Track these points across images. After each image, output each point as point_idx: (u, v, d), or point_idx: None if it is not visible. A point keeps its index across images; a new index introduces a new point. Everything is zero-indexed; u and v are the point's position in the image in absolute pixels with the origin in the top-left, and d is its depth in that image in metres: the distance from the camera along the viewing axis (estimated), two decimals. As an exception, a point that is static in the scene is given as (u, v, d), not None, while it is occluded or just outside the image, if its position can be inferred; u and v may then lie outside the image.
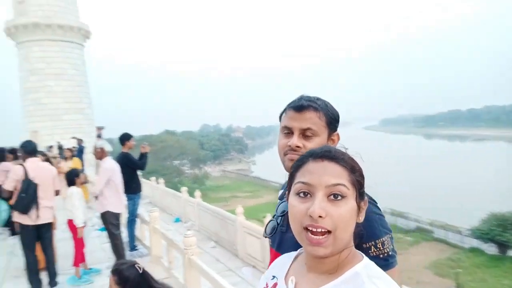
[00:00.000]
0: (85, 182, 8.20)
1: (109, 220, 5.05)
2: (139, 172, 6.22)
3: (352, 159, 0.88)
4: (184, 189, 8.60)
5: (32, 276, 4.42)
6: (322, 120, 1.18)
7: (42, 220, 4.43)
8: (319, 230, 0.78)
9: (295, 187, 0.85)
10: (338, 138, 1.24)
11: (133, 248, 5.98)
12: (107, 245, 5.58)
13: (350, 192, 0.82)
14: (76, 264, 4.95)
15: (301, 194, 0.83)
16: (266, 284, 0.94)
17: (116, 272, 2.06)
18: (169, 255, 5.02)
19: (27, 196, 4.34)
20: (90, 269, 5.19)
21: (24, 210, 4.35)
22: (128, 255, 5.55)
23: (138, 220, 6.12)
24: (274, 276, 0.94)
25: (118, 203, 5.15)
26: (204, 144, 74.20)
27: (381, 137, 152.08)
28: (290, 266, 0.93)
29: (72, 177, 5.02)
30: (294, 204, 0.83)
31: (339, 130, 1.25)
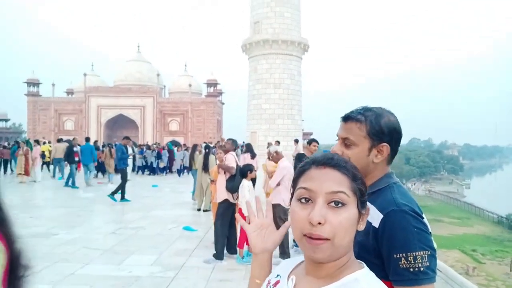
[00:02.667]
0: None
1: (278, 214, 5.50)
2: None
3: (355, 167, 0.89)
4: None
5: (219, 244, 5.47)
6: (362, 131, 1.23)
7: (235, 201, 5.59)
8: (317, 238, 0.80)
9: (297, 193, 0.87)
10: (387, 150, 1.24)
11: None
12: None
13: (350, 200, 0.83)
14: (240, 245, 5.64)
15: (303, 200, 0.84)
16: (269, 281, 0.97)
17: None
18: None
19: (237, 180, 5.55)
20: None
21: (234, 190, 5.57)
22: (293, 250, 5.97)
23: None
24: (278, 275, 0.96)
25: (288, 199, 5.75)
26: (410, 159, 69.82)
27: None
28: (293, 269, 0.95)
29: (245, 171, 5.72)
30: (295, 210, 0.85)
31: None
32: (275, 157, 6.10)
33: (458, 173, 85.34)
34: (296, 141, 15.78)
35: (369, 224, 1.15)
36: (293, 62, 26.73)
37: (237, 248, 5.68)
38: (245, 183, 5.60)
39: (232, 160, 5.85)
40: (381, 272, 1.09)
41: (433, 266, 1.07)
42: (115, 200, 10.32)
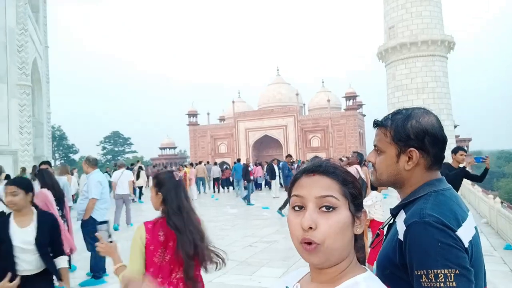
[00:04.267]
0: None
1: None
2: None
3: (345, 172, 0.90)
4: (517, 213, 7.16)
5: None
6: (387, 136, 1.17)
7: None
8: (310, 242, 0.82)
9: (291, 201, 0.90)
10: (417, 156, 1.13)
11: None
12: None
13: (341, 203, 0.84)
14: (369, 262, 5.33)
15: (296, 208, 0.87)
16: None
17: (155, 175, 2.28)
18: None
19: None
20: None
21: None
22: None
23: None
24: (287, 287, 0.99)
25: None
26: None
27: None
28: (301, 278, 0.98)
29: None
30: (290, 218, 0.88)
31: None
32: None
33: None
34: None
35: (396, 236, 1.08)
36: (437, 63, 24.38)
37: (367, 264, 5.44)
38: (373, 194, 5.58)
39: (353, 173, 5.77)
40: None
41: (461, 286, 0.94)
42: (283, 215, 10.56)
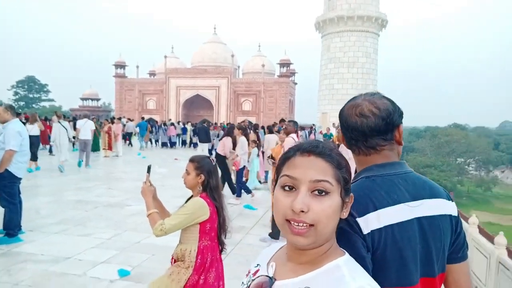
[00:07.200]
0: None
1: None
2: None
3: (340, 155, 0.87)
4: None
5: (276, 224, 5.69)
6: None
7: None
8: (300, 224, 0.80)
9: (280, 180, 0.86)
10: (338, 134, 1.19)
11: None
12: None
13: (334, 189, 0.82)
14: None
15: (286, 188, 0.83)
16: (249, 271, 0.97)
17: (195, 159, 2.39)
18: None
19: None
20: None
21: None
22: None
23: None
24: (258, 264, 0.96)
25: None
26: (500, 144, 63.23)
27: None
28: (273, 256, 0.96)
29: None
30: (279, 197, 0.84)
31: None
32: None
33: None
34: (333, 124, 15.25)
35: None
36: (369, 39, 25.49)
37: None
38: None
39: (291, 143, 5.91)
40: None
41: None
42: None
